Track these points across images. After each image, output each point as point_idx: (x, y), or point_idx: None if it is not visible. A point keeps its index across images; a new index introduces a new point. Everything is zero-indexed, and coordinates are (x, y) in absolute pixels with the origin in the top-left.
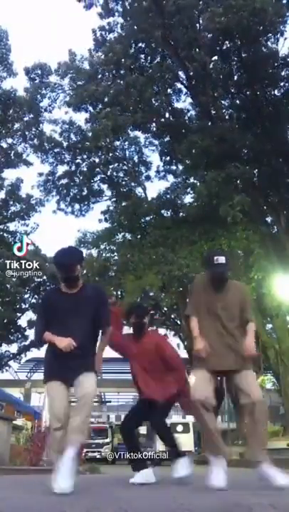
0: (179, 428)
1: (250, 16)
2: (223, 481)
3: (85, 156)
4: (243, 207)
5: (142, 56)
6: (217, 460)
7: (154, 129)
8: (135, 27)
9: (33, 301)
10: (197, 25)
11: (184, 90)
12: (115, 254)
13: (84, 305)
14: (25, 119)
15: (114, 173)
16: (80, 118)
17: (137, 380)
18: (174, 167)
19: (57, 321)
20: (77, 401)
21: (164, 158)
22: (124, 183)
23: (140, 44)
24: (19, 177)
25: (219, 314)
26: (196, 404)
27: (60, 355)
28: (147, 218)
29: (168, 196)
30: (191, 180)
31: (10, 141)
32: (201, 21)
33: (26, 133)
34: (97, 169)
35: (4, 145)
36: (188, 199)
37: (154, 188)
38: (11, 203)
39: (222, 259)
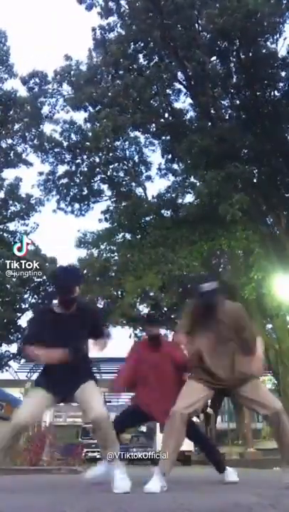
0: None
1: (244, 18)
2: (158, 488)
3: (85, 156)
4: (242, 205)
5: (141, 56)
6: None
7: (154, 129)
8: (134, 27)
9: (33, 301)
10: (196, 25)
11: (184, 91)
12: (115, 254)
13: (76, 325)
14: (26, 119)
15: (115, 173)
16: (81, 117)
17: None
18: (175, 165)
19: (49, 343)
20: (93, 426)
21: (165, 156)
22: (124, 183)
23: (139, 44)
24: (18, 176)
25: (213, 337)
26: (172, 413)
27: (54, 372)
28: (147, 218)
29: (168, 196)
30: (191, 179)
31: (10, 141)
32: (199, 21)
33: (26, 134)
34: (97, 169)
35: (4, 145)
36: (188, 199)
37: (155, 188)
38: (11, 202)
39: (208, 287)
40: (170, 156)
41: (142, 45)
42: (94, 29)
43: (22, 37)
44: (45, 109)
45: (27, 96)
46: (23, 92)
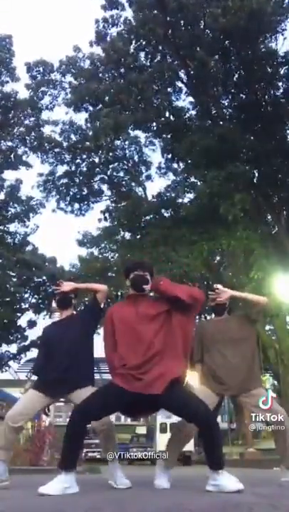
0: None
1: (247, 17)
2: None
3: (84, 156)
4: (244, 205)
5: (143, 54)
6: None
7: (155, 128)
8: (138, 22)
9: (33, 301)
10: (199, 24)
11: (185, 89)
12: (115, 254)
13: (73, 328)
14: (26, 122)
15: (114, 173)
16: (81, 118)
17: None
18: (175, 165)
19: (50, 350)
20: (98, 431)
21: (165, 155)
22: (124, 182)
23: (141, 41)
24: (19, 178)
25: (221, 345)
26: None
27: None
28: (147, 218)
29: (168, 195)
30: (192, 179)
31: (10, 144)
32: (203, 20)
33: (27, 137)
34: (97, 169)
35: (4, 147)
36: (188, 198)
37: (155, 188)
38: (11, 204)
39: (219, 286)
40: (170, 156)
41: (146, 41)
42: (97, 21)
43: (25, 32)
44: (46, 100)
45: (29, 83)
46: (23, 86)
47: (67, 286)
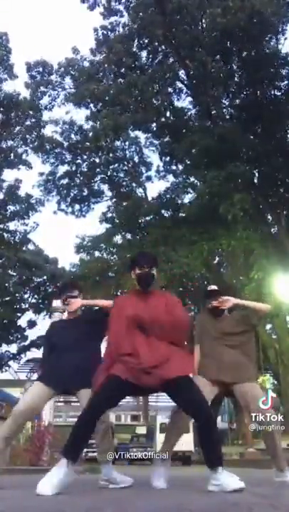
0: None
1: (248, 17)
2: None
3: (85, 156)
4: (243, 205)
5: (143, 55)
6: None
7: (155, 128)
8: (137, 25)
9: (33, 301)
10: (199, 24)
11: (185, 90)
12: (115, 256)
13: (81, 326)
14: (27, 123)
15: (115, 174)
16: (81, 116)
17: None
18: (174, 167)
19: (59, 346)
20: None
21: (164, 158)
22: (124, 183)
23: (142, 42)
24: (18, 178)
25: (220, 336)
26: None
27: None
28: (147, 218)
29: (168, 196)
30: (192, 179)
31: (10, 143)
32: (202, 21)
33: (27, 136)
34: (98, 169)
35: (4, 146)
36: (188, 198)
37: (155, 188)
38: (10, 203)
39: (214, 287)
40: (168, 158)
41: (145, 43)
42: (96, 30)
43: (25, 36)
44: (45, 100)
45: (29, 82)
46: (23, 86)
47: (75, 304)
